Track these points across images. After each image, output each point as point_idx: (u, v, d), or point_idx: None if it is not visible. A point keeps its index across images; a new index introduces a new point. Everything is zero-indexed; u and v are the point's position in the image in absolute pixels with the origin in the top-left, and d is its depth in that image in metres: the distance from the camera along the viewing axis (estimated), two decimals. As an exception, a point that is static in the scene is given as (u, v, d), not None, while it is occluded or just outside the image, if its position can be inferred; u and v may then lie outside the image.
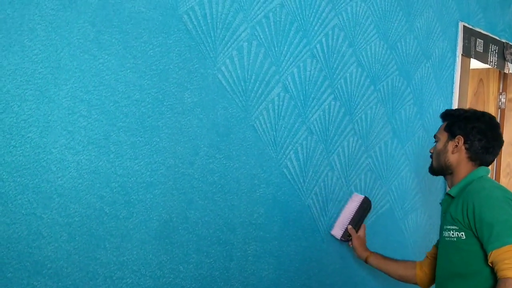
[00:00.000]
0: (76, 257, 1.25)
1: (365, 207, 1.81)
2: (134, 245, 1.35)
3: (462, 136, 1.56)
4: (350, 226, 1.78)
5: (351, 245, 1.81)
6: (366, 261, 1.78)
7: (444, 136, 1.61)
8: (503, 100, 2.74)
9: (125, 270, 1.33)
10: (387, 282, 2.04)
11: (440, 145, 1.62)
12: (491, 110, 2.77)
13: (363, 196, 1.83)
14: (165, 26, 1.39)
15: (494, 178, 2.76)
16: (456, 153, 1.57)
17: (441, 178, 2.27)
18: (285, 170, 1.68)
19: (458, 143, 1.57)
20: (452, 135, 1.59)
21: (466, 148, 1.56)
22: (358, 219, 1.79)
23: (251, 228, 1.59)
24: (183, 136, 1.44)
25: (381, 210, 2.01)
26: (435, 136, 1.67)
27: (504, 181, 2.75)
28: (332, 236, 1.82)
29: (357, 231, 1.80)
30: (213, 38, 1.49)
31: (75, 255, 1.25)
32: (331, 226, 1.81)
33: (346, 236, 1.78)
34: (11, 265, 1.16)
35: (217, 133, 1.51)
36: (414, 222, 2.16)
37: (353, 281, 1.91)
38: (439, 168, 1.63)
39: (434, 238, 2.25)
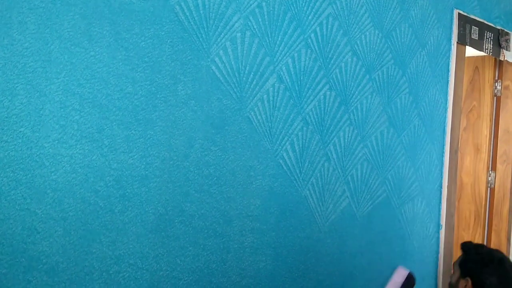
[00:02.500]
0: (72, 252, 1.24)
1: (409, 283, 1.86)
2: (130, 238, 1.34)
3: (470, 278, 1.66)
4: None
5: None
6: None
7: (457, 272, 1.71)
8: (498, 87, 2.74)
9: (121, 264, 1.33)
10: (384, 273, 2.04)
11: (454, 279, 1.72)
12: (487, 97, 2.77)
13: (408, 272, 1.87)
14: (156, 17, 1.38)
15: (490, 166, 2.77)
16: None
17: (437, 167, 2.27)
18: (281, 161, 1.67)
19: (466, 284, 1.66)
20: (463, 274, 1.68)
21: None
22: None
23: (247, 220, 1.59)
24: (178, 128, 1.42)
25: (377, 200, 2.00)
26: (453, 264, 1.76)
27: (500, 168, 2.75)
28: None
29: None
30: (205, 29, 1.47)
31: (71, 250, 1.24)
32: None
33: None
34: (6, 261, 1.15)
35: (212, 125, 1.49)
36: (411, 211, 2.16)
37: (350, 271, 1.92)
38: None
39: (431, 226, 2.26)
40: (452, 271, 1.76)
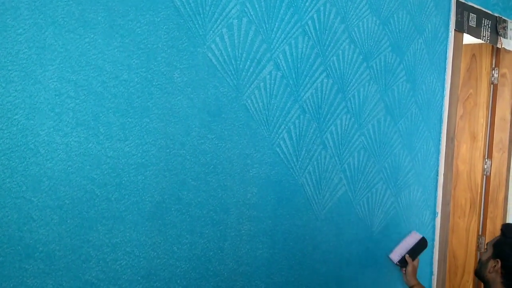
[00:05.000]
0: (68, 240, 1.24)
1: (422, 244, 1.99)
2: (126, 226, 1.34)
3: (500, 260, 1.63)
4: (407, 255, 1.97)
5: (404, 271, 1.97)
6: None
7: (490, 251, 1.68)
8: (495, 75, 2.73)
9: (118, 252, 1.33)
10: (380, 260, 2.05)
11: (484, 258, 1.70)
12: (484, 85, 2.77)
13: (422, 236, 2.02)
14: (152, 3, 1.36)
15: (486, 154, 2.78)
16: (493, 273, 1.64)
17: (433, 155, 2.27)
18: (278, 150, 1.67)
19: (495, 265, 1.63)
20: (494, 254, 1.65)
21: (501, 273, 1.62)
22: (413, 252, 1.98)
23: (244, 208, 1.59)
24: (174, 116, 1.41)
25: (374, 188, 2.01)
26: (486, 244, 1.75)
27: (496, 156, 2.76)
28: (389, 258, 2.01)
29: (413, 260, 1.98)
30: (202, 15, 1.45)
31: (67, 238, 1.24)
32: (390, 251, 2.00)
33: (402, 263, 1.97)
34: (2, 249, 1.14)
35: (208, 113, 1.49)
36: (407, 198, 2.16)
37: (347, 258, 1.93)
38: (479, 278, 1.72)
39: (427, 214, 2.27)
40: (485, 248, 1.76)
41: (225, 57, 1.51)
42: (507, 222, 2.78)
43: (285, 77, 1.67)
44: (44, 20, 1.18)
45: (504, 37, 2.59)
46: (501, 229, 1.70)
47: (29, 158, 1.17)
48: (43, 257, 1.20)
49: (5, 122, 1.14)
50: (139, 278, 1.37)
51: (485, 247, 1.75)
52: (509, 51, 2.71)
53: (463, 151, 2.84)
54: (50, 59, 1.20)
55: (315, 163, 1.78)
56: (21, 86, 1.16)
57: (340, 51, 1.83)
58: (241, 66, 1.55)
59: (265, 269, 1.66)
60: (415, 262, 1.98)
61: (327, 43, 1.78)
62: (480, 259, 1.74)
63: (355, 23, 1.87)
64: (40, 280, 1.20)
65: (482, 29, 2.45)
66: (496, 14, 2.54)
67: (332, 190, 1.85)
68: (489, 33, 2.49)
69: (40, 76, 1.18)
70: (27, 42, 1.16)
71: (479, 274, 1.72)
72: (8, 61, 1.14)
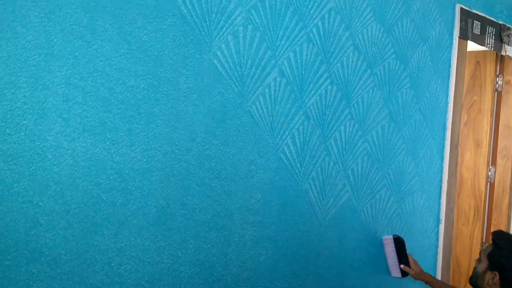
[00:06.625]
0: (74, 244, 1.25)
1: (400, 244, 1.98)
2: (131, 231, 1.35)
3: (499, 273, 1.57)
4: (402, 266, 1.96)
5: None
6: (426, 283, 1.95)
7: (485, 262, 1.62)
8: (500, 82, 2.74)
9: (123, 257, 1.34)
10: (383, 267, 2.06)
11: (480, 269, 1.64)
12: (488, 92, 2.77)
13: (391, 236, 2.01)
14: (159, 11, 1.38)
15: (490, 161, 2.78)
16: (492, 285, 1.59)
17: (437, 162, 2.28)
18: (282, 156, 1.68)
19: (493, 278, 1.58)
20: (491, 266, 1.60)
21: (500, 285, 1.57)
22: (401, 256, 1.98)
23: (248, 213, 1.60)
24: (179, 122, 1.43)
25: (378, 194, 2.01)
26: (480, 253, 1.68)
27: (500, 163, 2.76)
28: (395, 277, 2.03)
29: (409, 265, 1.96)
30: (208, 22, 1.47)
31: (73, 242, 1.25)
32: (388, 271, 2.03)
33: (405, 273, 1.99)
34: (9, 252, 1.16)
35: (213, 119, 1.50)
36: (411, 205, 2.17)
37: (350, 265, 1.93)
38: (475, 287, 1.68)
39: (431, 220, 2.27)
40: (479, 257, 1.68)
41: (230, 63, 1.53)
42: (507, 230, 2.77)
43: (290, 83, 1.68)
44: (53, 28, 1.20)
45: (508, 45, 2.60)
46: (493, 239, 1.63)
47: (36, 163, 1.19)
48: (49, 261, 1.22)
49: (13, 127, 1.16)
50: (143, 282, 1.38)
51: (479, 255, 1.69)
52: (514, 58, 2.71)
53: (467, 158, 2.84)
54: (59, 66, 1.21)
55: (319, 169, 1.79)
56: (29, 92, 1.17)
57: (344, 58, 1.84)
58: (246, 72, 1.57)
59: (269, 274, 1.67)
60: (411, 264, 1.95)
61: (331, 50, 1.79)
62: (475, 269, 1.67)
63: (359, 31, 1.88)
64: (46, 283, 1.21)
65: (486, 36, 2.46)
66: (500, 22, 2.55)
67: (336, 196, 1.86)
68: (493, 41, 2.50)
69: (49, 82, 1.20)
70: (36, 49, 1.18)
71: (475, 284, 1.67)
72: (17, 67, 1.16)
